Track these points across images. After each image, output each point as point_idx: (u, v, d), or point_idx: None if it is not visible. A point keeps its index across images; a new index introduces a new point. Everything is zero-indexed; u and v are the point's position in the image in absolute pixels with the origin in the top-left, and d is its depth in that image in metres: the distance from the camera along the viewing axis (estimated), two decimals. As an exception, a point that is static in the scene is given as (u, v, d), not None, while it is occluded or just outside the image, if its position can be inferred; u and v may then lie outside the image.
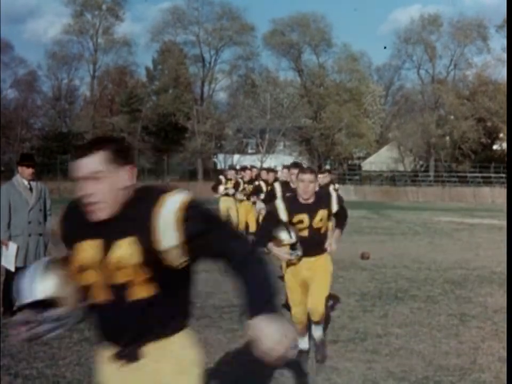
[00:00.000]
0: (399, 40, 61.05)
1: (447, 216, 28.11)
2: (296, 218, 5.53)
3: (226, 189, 14.97)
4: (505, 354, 5.50)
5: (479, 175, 56.27)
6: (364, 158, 65.35)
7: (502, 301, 8.08)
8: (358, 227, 20.38)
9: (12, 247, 7.17)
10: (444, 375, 5.30)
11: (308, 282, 5.71)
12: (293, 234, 5.48)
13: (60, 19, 77.44)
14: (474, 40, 59.72)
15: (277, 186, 9.14)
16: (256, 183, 13.99)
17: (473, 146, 57.57)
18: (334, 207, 5.71)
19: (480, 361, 5.73)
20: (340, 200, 5.90)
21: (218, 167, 60.47)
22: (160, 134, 61.27)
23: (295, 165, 7.95)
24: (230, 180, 15.18)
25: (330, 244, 5.86)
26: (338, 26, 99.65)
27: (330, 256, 5.91)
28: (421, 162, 63.23)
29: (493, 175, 54.94)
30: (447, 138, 60.55)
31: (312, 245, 5.61)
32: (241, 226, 14.31)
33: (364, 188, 54.12)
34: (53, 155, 57.86)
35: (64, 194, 45.55)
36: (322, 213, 5.60)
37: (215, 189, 15.30)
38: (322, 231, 5.71)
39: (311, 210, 5.57)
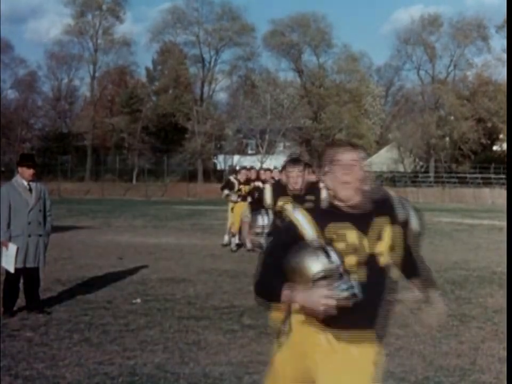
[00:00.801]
0: (399, 41, 61.15)
1: (447, 217, 28.11)
2: (280, 202, 3.77)
3: (237, 194, 14.69)
4: (505, 355, 5.50)
5: (479, 175, 56.27)
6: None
7: (502, 301, 8.07)
8: (358, 228, 20.33)
9: (12, 248, 7.17)
10: (444, 376, 5.30)
11: None
12: (333, 253, 2.71)
13: (61, 19, 77.39)
14: (474, 40, 59.77)
15: (267, 189, 5.93)
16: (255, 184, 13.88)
17: (473, 147, 57.58)
18: (414, 223, 3.04)
19: (480, 361, 5.72)
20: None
21: (218, 167, 60.52)
22: (160, 134, 61.27)
23: (293, 161, 5.32)
24: (246, 183, 14.86)
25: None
26: (338, 27, 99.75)
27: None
28: (421, 163, 63.25)
29: (493, 176, 54.93)
30: (447, 139, 60.59)
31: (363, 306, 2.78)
32: (235, 227, 14.14)
33: (364, 189, 54.08)
34: (53, 155, 57.92)
35: (64, 195, 45.58)
36: (388, 231, 2.89)
37: (228, 196, 15.12)
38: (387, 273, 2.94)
39: (361, 221, 2.86)
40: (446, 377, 5.27)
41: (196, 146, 56.79)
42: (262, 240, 5.45)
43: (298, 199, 4.97)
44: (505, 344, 5.79)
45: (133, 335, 6.44)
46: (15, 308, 7.31)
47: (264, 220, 5.44)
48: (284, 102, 59.13)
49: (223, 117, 61.36)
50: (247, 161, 47.75)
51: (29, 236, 7.26)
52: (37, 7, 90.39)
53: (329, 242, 2.82)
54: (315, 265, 2.67)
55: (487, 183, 54.84)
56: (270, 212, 5.34)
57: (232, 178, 15.31)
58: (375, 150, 63.95)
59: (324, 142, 58.16)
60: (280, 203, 5.03)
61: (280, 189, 5.51)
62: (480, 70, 60.69)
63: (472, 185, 54.86)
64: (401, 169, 61.34)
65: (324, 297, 2.62)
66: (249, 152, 62.17)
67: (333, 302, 2.62)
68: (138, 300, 8.17)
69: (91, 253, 12.99)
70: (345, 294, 2.65)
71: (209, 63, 60.97)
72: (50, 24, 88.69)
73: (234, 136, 61.70)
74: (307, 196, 5.21)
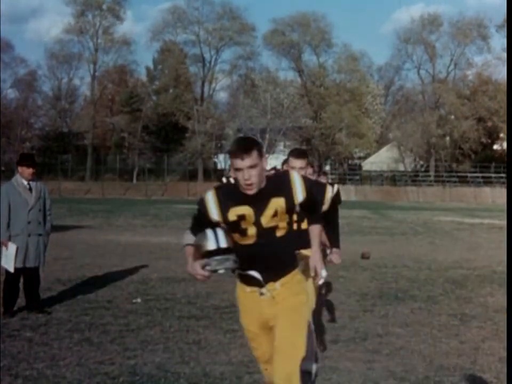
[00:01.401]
0: (399, 40, 61.15)
1: (447, 216, 28.11)
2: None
3: None
4: (505, 354, 5.50)
5: (480, 175, 56.27)
6: (364, 158, 65.38)
7: (503, 300, 8.06)
8: (358, 227, 20.38)
9: (12, 247, 7.16)
10: (444, 375, 5.29)
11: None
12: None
13: (62, 18, 77.57)
14: (474, 39, 59.78)
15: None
16: None
17: (474, 146, 57.59)
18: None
19: (481, 361, 5.71)
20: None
21: (219, 167, 60.56)
22: (160, 133, 61.29)
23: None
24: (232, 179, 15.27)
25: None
26: (338, 26, 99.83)
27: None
28: (421, 162, 63.26)
29: (493, 175, 54.94)
30: (448, 138, 60.60)
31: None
32: None
33: (364, 188, 54.15)
34: (53, 155, 57.99)
35: (64, 194, 45.59)
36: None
37: None
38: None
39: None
40: (447, 376, 5.27)
41: (196, 146, 56.81)
42: None
43: None
44: (505, 344, 5.79)
45: (134, 335, 6.44)
46: (15, 308, 7.30)
47: None
48: (284, 102, 59.15)
49: (224, 116, 61.38)
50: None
51: (29, 235, 7.25)
52: (38, 7, 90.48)
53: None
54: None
55: (487, 182, 54.86)
56: None
57: (224, 179, 15.56)
58: (375, 149, 63.97)
59: (324, 141, 58.26)
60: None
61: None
62: (480, 69, 60.72)
63: (472, 184, 54.87)
64: (401, 168, 61.34)
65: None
66: (250, 151, 62.09)
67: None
68: (139, 300, 8.17)
69: (91, 253, 12.99)
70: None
71: (210, 62, 61.10)
72: (51, 23, 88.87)
73: (234, 135, 61.63)
74: None
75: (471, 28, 59.31)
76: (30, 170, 7.32)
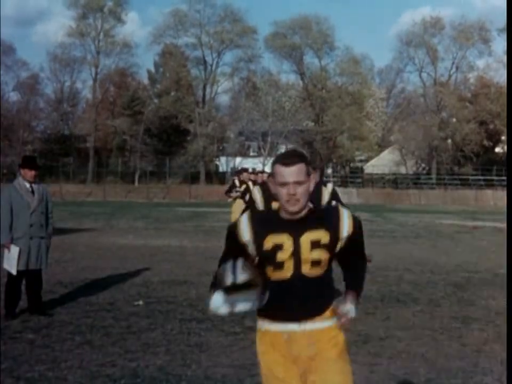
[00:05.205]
0: (401, 43, 61.18)
1: (449, 219, 28.08)
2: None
3: (237, 191, 15.02)
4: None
5: (481, 177, 56.22)
6: (366, 160, 65.36)
7: (504, 303, 8.04)
8: (360, 230, 20.32)
9: (14, 250, 7.16)
10: (446, 378, 5.29)
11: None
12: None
13: (68, 22, 77.58)
14: (476, 43, 59.81)
15: (256, 191, 7.41)
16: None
17: (475, 149, 57.56)
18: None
19: (483, 364, 5.71)
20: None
21: (220, 169, 60.58)
22: (162, 136, 61.28)
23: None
24: (244, 182, 15.08)
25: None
26: (340, 29, 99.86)
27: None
28: (423, 165, 63.24)
29: (495, 177, 54.88)
30: (449, 141, 60.57)
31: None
32: None
33: (366, 191, 54.09)
34: (55, 157, 57.99)
35: (66, 197, 45.61)
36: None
37: (229, 192, 15.57)
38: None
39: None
40: (449, 379, 5.26)
41: (198, 148, 56.82)
42: None
43: None
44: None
45: (135, 337, 6.44)
46: (17, 310, 7.31)
47: None
48: (286, 104, 59.15)
49: (225, 119, 61.39)
50: (249, 163, 47.77)
51: (31, 238, 7.24)
52: (45, 10, 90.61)
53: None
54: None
55: (489, 185, 54.80)
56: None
57: (236, 180, 15.55)
58: (377, 152, 63.96)
59: (326, 144, 58.30)
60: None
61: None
62: (482, 72, 60.73)
63: (474, 187, 54.81)
64: (403, 171, 61.32)
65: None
66: (251, 154, 62.20)
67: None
68: (140, 302, 8.17)
69: (93, 255, 13.00)
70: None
71: (211, 65, 61.04)
72: (58, 26, 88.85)
73: (236, 138, 61.73)
74: None
75: (473, 31, 59.35)
76: (32, 172, 7.33)
